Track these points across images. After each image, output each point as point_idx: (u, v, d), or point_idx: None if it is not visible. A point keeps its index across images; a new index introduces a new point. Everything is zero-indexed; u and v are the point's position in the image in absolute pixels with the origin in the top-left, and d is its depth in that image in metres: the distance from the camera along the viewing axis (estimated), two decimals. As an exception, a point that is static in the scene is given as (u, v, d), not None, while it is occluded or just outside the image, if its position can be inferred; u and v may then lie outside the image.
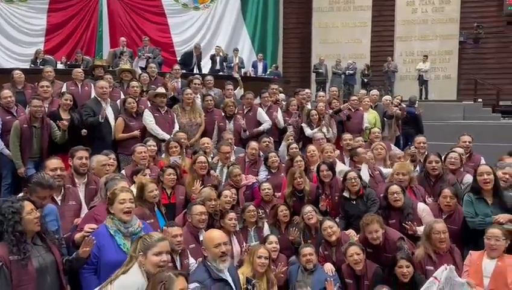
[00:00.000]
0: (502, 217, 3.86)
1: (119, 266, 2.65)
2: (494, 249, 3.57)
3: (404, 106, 8.14)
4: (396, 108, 8.04)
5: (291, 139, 6.20)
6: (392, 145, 6.88)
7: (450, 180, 4.67)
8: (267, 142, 6.01)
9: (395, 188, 4.29)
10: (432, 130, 9.25)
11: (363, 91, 8.40)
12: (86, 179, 4.06)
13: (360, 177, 4.67)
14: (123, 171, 4.72)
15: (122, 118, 5.87)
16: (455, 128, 9.50)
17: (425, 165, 4.83)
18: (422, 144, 5.75)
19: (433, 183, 4.72)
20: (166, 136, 5.84)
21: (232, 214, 4.23)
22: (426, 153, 5.19)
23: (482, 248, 3.68)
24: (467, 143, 5.67)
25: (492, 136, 9.73)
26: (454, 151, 5.11)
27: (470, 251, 3.78)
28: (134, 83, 6.55)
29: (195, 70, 10.71)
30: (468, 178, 4.69)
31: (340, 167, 5.37)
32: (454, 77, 15.35)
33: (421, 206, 4.32)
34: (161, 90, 6.41)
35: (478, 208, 4.05)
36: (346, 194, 4.69)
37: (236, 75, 9.00)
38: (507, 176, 4.32)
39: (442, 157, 5.03)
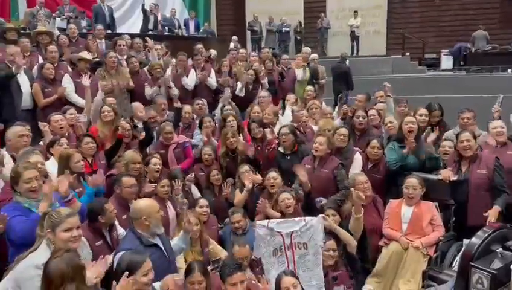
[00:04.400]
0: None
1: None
2: (411, 198, 3.82)
3: None
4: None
5: (227, 103, 6.09)
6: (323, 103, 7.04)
7: (374, 134, 4.92)
8: (200, 105, 5.89)
9: (343, 130, 4.54)
10: (362, 85, 9.49)
11: (307, 49, 8.41)
12: None
13: (294, 133, 4.72)
14: (41, 143, 4.42)
15: (38, 83, 5.43)
16: (384, 82, 9.83)
17: (352, 120, 4.98)
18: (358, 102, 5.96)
19: (358, 137, 4.93)
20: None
21: (164, 181, 4.15)
22: (354, 108, 5.36)
23: (401, 197, 3.93)
24: (379, 98, 6.05)
25: (419, 88, 10.20)
26: (372, 108, 5.38)
27: (390, 200, 4.02)
28: (52, 48, 6.02)
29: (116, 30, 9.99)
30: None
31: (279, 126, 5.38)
32: (383, 31, 15.77)
33: (357, 155, 4.56)
34: (85, 54, 5.96)
35: (399, 155, 4.31)
36: (281, 149, 4.76)
37: None
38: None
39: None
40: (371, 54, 14.78)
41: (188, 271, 2.88)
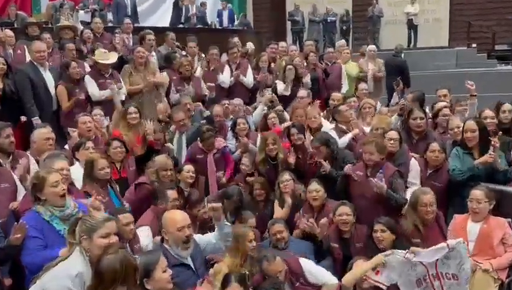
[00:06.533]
0: None
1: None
2: (477, 213, 3.71)
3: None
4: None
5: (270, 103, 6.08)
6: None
7: (435, 137, 4.79)
8: (226, 105, 5.97)
9: (393, 133, 4.52)
10: (421, 81, 9.32)
11: (342, 41, 8.33)
12: (11, 158, 3.94)
13: (326, 144, 4.69)
14: (66, 146, 4.62)
15: (63, 85, 5.61)
16: (447, 78, 9.61)
17: (408, 121, 4.90)
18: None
19: (416, 140, 4.82)
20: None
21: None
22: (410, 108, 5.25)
23: (467, 210, 3.82)
24: (442, 97, 5.83)
25: (488, 84, 9.87)
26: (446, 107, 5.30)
27: (455, 215, 3.92)
28: (70, 46, 6.27)
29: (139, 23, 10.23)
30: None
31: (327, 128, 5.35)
32: (445, 19, 15.35)
33: (413, 161, 4.50)
34: (98, 57, 5.97)
35: (464, 163, 4.22)
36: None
37: None
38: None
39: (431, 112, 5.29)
40: (430, 45, 14.42)
41: (225, 283, 2.90)
